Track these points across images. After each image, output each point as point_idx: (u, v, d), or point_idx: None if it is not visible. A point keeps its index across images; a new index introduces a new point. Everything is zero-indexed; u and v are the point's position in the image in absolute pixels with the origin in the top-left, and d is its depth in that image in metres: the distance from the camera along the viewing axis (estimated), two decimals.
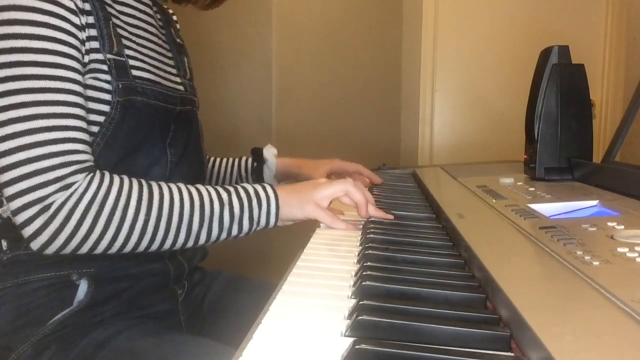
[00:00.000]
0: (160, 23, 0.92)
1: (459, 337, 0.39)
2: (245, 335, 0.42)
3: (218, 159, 1.14)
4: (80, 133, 0.70)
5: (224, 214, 0.74)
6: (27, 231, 0.67)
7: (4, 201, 0.74)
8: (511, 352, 0.38)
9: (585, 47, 2.08)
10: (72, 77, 0.69)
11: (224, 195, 0.75)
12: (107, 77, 0.73)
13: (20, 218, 0.66)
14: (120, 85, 0.74)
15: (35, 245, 0.67)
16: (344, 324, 0.43)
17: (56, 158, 0.66)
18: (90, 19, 0.72)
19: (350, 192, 0.81)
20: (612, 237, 0.54)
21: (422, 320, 0.41)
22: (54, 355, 0.72)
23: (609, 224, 0.59)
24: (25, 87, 0.65)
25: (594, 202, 0.75)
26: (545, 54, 1.02)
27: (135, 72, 0.77)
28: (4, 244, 0.75)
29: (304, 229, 0.78)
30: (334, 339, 0.40)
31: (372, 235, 0.70)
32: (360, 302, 0.44)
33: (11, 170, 0.65)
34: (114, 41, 0.75)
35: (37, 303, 0.73)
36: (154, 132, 0.80)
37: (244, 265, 1.89)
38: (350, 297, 0.49)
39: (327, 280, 0.55)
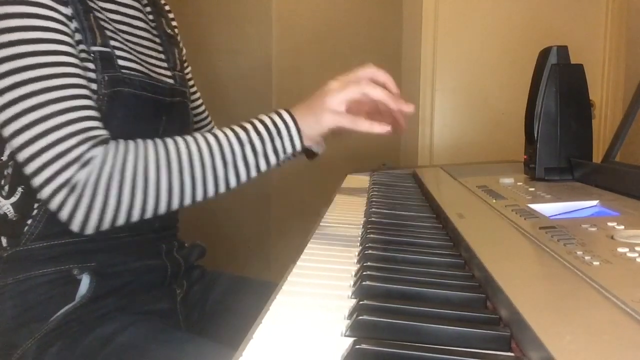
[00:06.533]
0: (151, 16, 0.91)
1: (459, 337, 0.39)
2: (245, 336, 0.42)
3: None
4: (91, 111, 0.71)
5: (246, 153, 0.74)
6: (63, 215, 0.68)
7: (3, 197, 0.74)
8: (511, 352, 0.38)
9: (585, 47, 2.08)
10: (71, 61, 0.70)
11: (242, 134, 0.74)
12: (93, 70, 0.74)
13: (53, 204, 0.68)
14: (106, 78, 0.74)
15: (74, 226, 0.68)
16: (344, 324, 0.43)
17: (73, 138, 0.67)
18: (69, 11, 0.73)
19: (368, 92, 0.75)
20: (612, 237, 0.54)
21: (422, 320, 0.41)
22: (59, 352, 0.72)
23: (609, 224, 0.59)
24: (31, 77, 0.66)
25: (594, 202, 0.75)
26: (545, 54, 1.02)
27: (122, 63, 0.77)
28: (4, 240, 0.75)
29: (304, 229, 0.78)
30: (334, 339, 0.40)
31: (372, 235, 0.70)
32: (360, 302, 0.44)
33: (36, 159, 0.66)
34: (97, 33, 0.75)
35: (39, 299, 0.73)
36: (144, 122, 0.80)
37: (244, 265, 1.89)
38: (350, 297, 0.49)
39: (327, 280, 0.55)
